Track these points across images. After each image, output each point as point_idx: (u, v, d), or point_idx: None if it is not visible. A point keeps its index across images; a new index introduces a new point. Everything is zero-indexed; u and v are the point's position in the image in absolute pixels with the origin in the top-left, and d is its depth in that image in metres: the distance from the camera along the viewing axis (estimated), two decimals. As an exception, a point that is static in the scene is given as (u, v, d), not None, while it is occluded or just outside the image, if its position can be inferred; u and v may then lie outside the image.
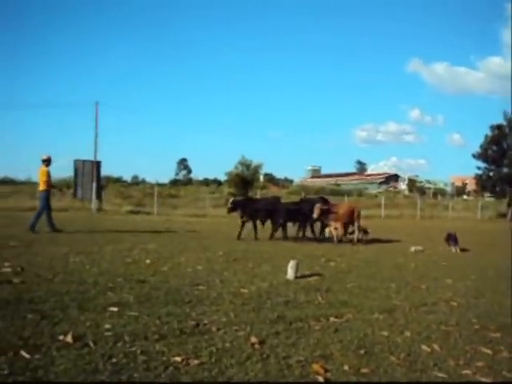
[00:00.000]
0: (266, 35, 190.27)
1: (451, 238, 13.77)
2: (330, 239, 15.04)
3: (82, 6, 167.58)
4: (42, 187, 14.35)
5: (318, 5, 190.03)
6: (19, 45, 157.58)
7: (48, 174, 14.42)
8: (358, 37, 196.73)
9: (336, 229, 14.63)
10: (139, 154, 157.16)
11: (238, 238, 14.58)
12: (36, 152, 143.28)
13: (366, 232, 15.54)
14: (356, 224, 14.88)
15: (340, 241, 14.72)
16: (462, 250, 13.47)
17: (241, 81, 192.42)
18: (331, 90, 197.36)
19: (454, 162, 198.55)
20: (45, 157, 14.49)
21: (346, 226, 15.02)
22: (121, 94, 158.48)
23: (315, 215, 14.36)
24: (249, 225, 15.39)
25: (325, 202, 15.75)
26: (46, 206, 14.18)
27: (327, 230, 15.39)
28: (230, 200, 16.02)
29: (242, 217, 15.29)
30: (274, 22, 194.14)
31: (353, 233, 15.20)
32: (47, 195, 14.36)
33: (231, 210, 15.50)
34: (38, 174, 14.53)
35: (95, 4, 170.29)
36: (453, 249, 13.42)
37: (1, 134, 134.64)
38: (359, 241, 14.76)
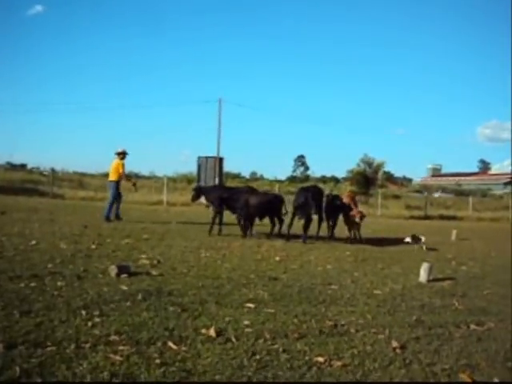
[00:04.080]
0: (392, 33, 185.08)
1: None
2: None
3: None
4: (112, 177, 15.07)
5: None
6: (151, 47, 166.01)
7: (123, 167, 15.15)
8: (482, 30, 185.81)
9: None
10: (258, 151, 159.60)
11: (209, 232, 12.76)
12: (159, 148, 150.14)
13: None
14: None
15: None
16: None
17: (361, 78, 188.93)
18: (455, 87, 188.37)
19: None
20: (120, 150, 15.23)
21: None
22: (241, 91, 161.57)
23: (358, 219, 12.98)
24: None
25: (253, 191, 14.08)
26: (117, 195, 14.96)
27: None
28: (193, 186, 14.49)
29: (207, 206, 13.99)
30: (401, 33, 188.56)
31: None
32: (117, 185, 15.02)
33: (194, 197, 14.10)
34: (111, 166, 15.23)
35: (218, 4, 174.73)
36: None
37: (127, 132, 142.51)
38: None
